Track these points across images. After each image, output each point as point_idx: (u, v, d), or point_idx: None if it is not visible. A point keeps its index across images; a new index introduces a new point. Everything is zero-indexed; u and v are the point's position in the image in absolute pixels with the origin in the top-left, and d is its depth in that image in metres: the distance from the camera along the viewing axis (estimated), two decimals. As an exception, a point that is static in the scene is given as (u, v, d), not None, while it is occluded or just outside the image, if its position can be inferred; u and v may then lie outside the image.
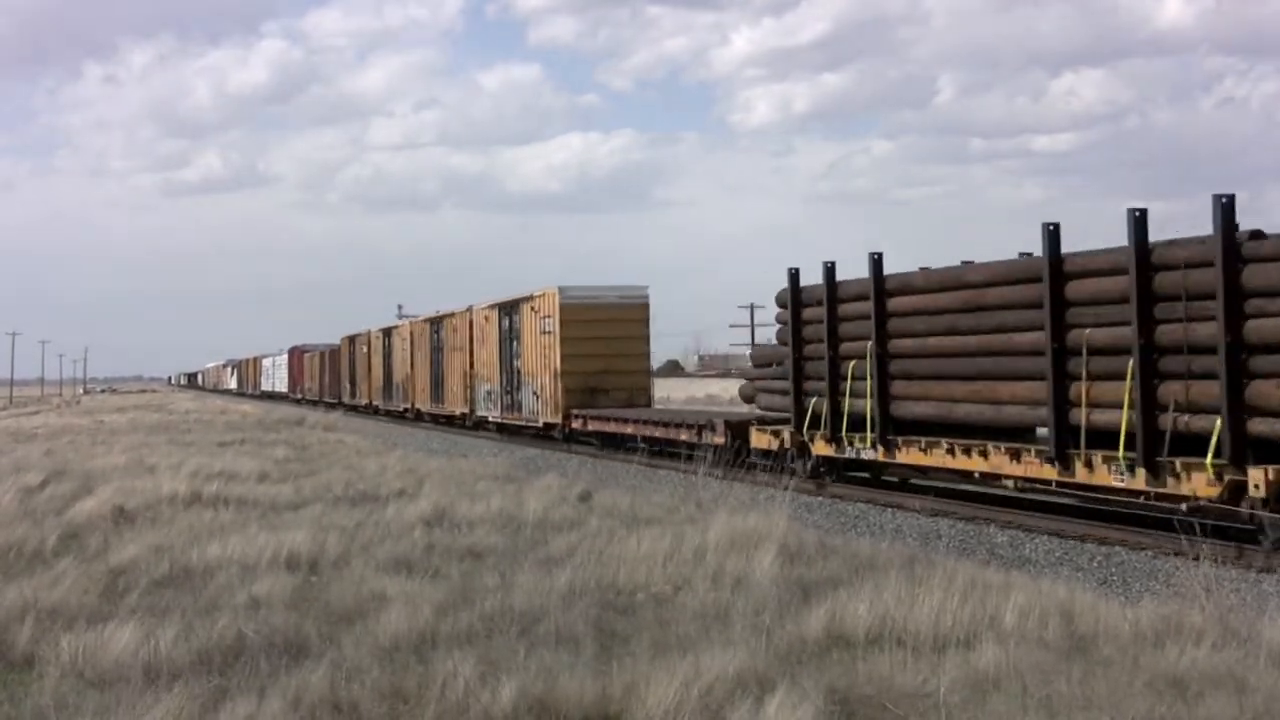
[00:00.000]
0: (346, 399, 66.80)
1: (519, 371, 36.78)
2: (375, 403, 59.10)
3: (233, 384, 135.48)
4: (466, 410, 43.64)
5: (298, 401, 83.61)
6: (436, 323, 47.61)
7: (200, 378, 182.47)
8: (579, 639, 7.80)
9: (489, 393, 40.22)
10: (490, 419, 40.46)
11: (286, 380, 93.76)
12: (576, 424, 32.28)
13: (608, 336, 33.22)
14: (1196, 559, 9.30)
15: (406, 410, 53.00)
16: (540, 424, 34.87)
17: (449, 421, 46.54)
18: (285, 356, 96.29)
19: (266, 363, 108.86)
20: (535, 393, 35.10)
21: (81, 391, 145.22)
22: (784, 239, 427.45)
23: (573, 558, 10.79)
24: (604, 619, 8.49)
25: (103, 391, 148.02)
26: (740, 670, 6.85)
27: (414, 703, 6.59)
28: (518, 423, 37.30)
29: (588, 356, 32.99)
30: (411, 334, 52.13)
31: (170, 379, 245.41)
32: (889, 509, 18.32)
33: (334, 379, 72.15)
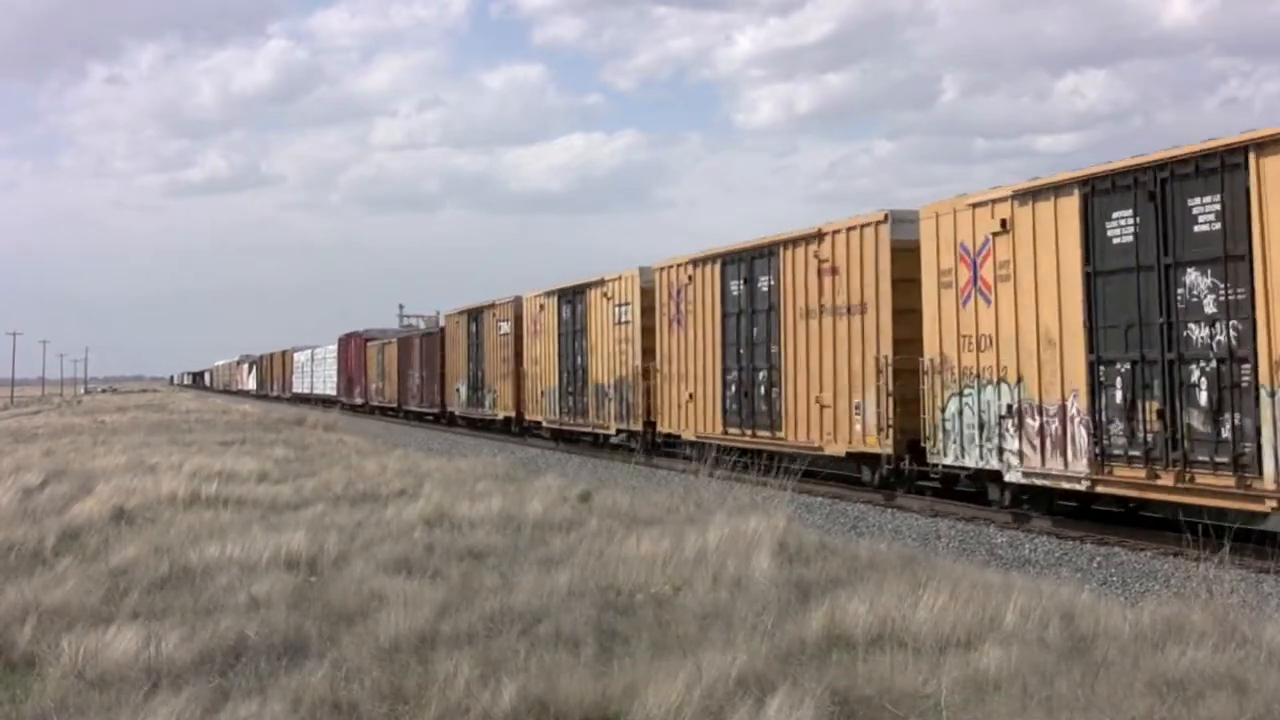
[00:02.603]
0: (465, 407, 43.46)
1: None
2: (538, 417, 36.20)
3: (250, 384, 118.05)
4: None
5: (357, 409, 64.28)
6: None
7: (208, 377, 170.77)
8: (579, 639, 7.80)
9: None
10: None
11: (336, 379, 72.43)
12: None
13: None
14: (1196, 560, 9.30)
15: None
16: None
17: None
18: (333, 348, 74.66)
19: (300, 358, 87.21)
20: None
21: (82, 391, 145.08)
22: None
23: (573, 558, 10.79)
24: (604, 619, 8.48)
25: (103, 391, 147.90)
26: (741, 671, 6.85)
27: (414, 703, 6.59)
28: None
29: None
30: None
31: (172, 378, 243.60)
32: (889, 509, 18.32)
33: (429, 377, 49.85)
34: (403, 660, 7.39)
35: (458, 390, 42.65)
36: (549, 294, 34.80)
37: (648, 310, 27.95)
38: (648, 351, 28.01)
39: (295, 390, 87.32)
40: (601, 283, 30.72)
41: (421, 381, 51.18)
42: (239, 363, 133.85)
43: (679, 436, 26.60)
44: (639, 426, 28.47)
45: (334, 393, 72.66)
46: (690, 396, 25.59)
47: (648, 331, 27.99)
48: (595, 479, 20.41)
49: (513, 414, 36.49)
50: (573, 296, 32.83)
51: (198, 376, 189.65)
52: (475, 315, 39.92)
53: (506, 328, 35.21)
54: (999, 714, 6.28)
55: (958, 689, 6.64)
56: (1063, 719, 6.20)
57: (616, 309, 29.94)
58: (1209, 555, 9.53)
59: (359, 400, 65.80)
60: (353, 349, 68.73)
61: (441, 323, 51.56)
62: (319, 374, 78.98)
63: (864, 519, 17.64)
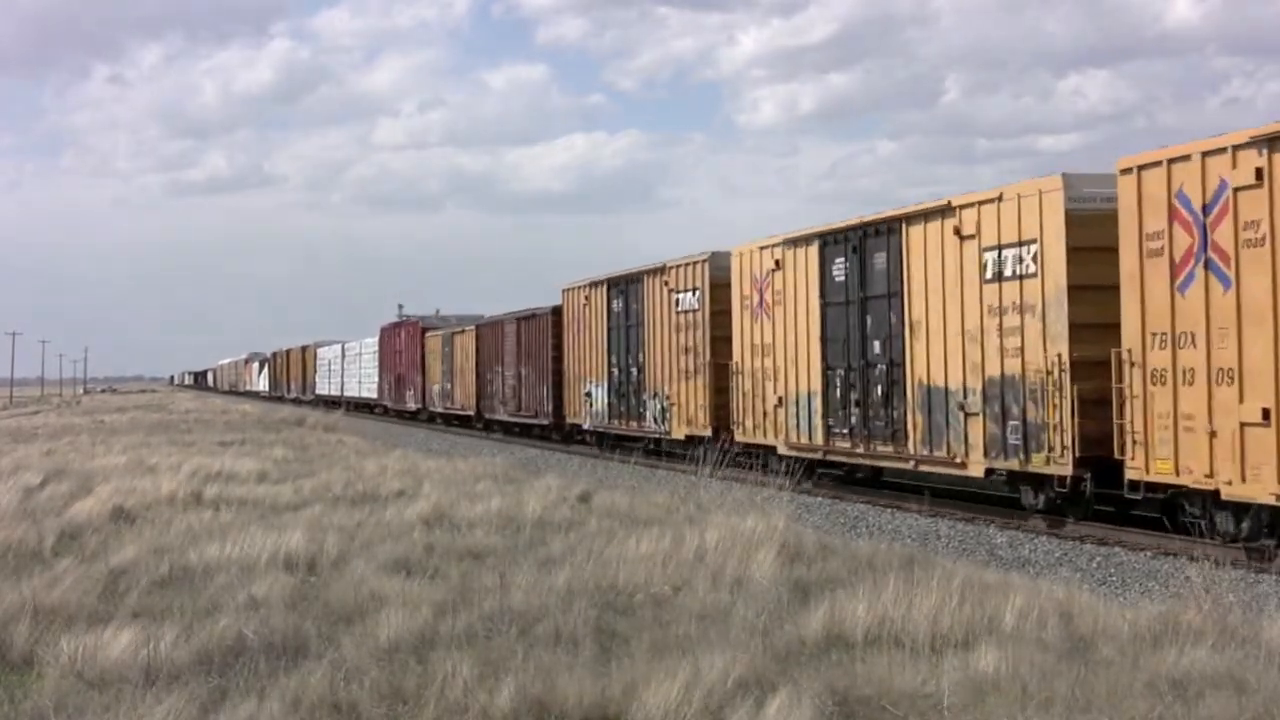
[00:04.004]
0: (604, 419, 30.89)
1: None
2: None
3: (260, 384, 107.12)
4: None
5: (409, 416, 53.87)
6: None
7: (211, 377, 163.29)
8: (578, 640, 7.80)
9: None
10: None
11: (378, 379, 60.09)
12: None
13: None
14: (1195, 559, 9.30)
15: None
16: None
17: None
18: (371, 341, 62.15)
19: (327, 354, 75.16)
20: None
21: (82, 391, 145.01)
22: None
23: (572, 558, 10.79)
24: (603, 620, 8.48)
25: (103, 391, 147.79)
26: (740, 671, 6.84)
27: (413, 703, 6.59)
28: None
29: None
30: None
31: (173, 379, 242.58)
32: (888, 509, 18.32)
33: (533, 376, 36.94)
34: (402, 660, 7.39)
35: (588, 395, 31.75)
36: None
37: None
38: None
39: (319, 392, 75.76)
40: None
41: (519, 382, 38.04)
42: (247, 361, 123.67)
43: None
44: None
45: (373, 395, 60.90)
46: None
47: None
48: (595, 479, 20.40)
49: (709, 431, 24.63)
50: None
51: (200, 376, 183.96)
52: (626, 285, 29.33)
53: (691, 301, 25.69)
54: (998, 714, 6.28)
55: (957, 689, 6.64)
56: (1062, 719, 6.20)
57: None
58: (1208, 556, 9.53)
59: (412, 405, 53.12)
60: (402, 341, 54.89)
61: (522, 307, 38.89)
62: (352, 373, 66.58)
63: (864, 519, 17.64)
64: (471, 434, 42.38)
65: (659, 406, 27.18)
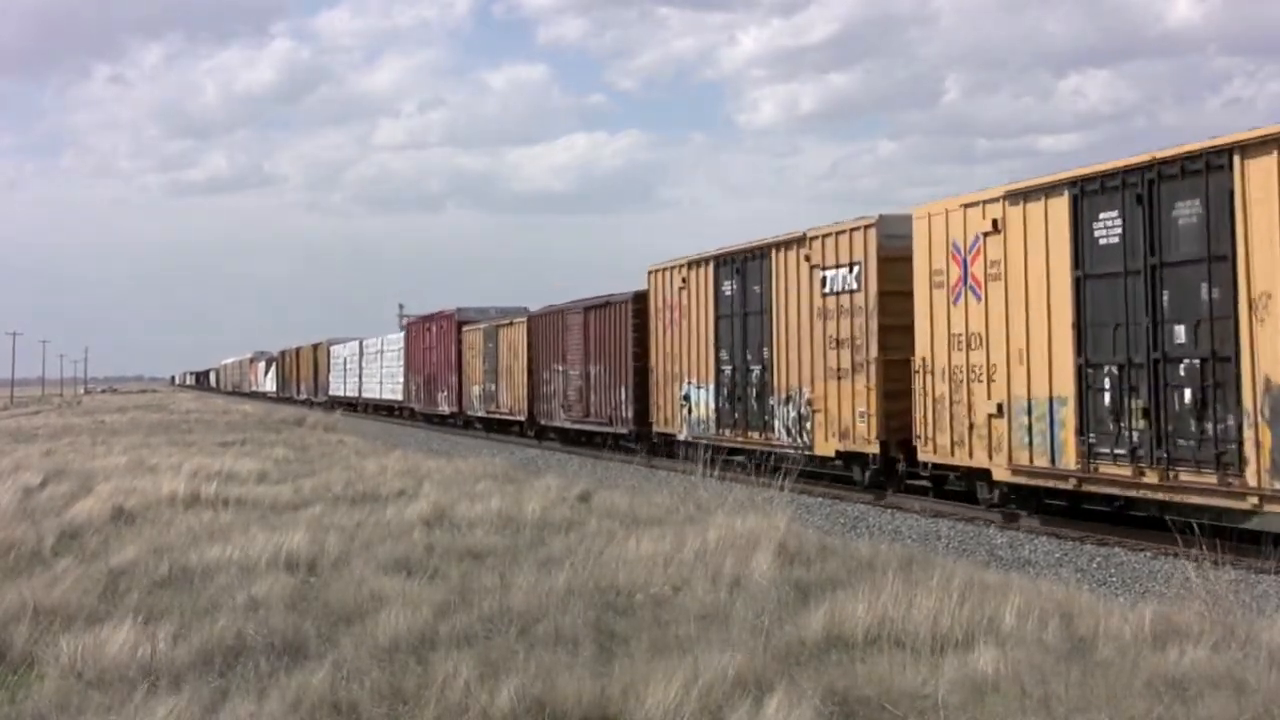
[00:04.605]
0: (709, 426, 25.09)
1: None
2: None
3: (267, 385, 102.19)
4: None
5: (439, 421, 48.35)
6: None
7: (214, 377, 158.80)
8: (578, 640, 7.81)
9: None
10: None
11: (404, 379, 54.32)
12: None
13: None
14: (1196, 560, 9.30)
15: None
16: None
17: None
18: (395, 338, 58.03)
19: (342, 352, 69.45)
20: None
21: (82, 391, 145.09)
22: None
23: (572, 558, 10.78)
24: (603, 620, 8.49)
25: (103, 391, 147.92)
26: (739, 671, 6.85)
27: (413, 703, 6.60)
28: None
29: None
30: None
31: (174, 379, 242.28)
32: (888, 510, 18.31)
33: (606, 376, 30.95)
34: (402, 660, 7.40)
35: (686, 399, 26.13)
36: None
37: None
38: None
39: (333, 393, 70.57)
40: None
41: (587, 383, 32.05)
42: (253, 360, 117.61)
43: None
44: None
45: (397, 397, 55.66)
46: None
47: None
48: (595, 479, 20.40)
49: (874, 446, 19.51)
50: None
51: (201, 376, 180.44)
52: (744, 262, 23.95)
53: (845, 279, 20.37)
54: (997, 714, 6.28)
55: (956, 689, 6.64)
56: (1061, 719, 6.20)
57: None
58: (1207, 556, 9.53)
59: (445, 409, 47.21)
60: (434, 336, 48.95)
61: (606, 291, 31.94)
62: (372, 372, 61.04)
63: (864, 519, 17.64)
64: (507, 440, 38.65)
65: (793, 414, 21.71)
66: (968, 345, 17.18)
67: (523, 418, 38.17)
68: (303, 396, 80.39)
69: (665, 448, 26.86)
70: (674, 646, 7.57)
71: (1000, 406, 16.46)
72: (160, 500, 15.89)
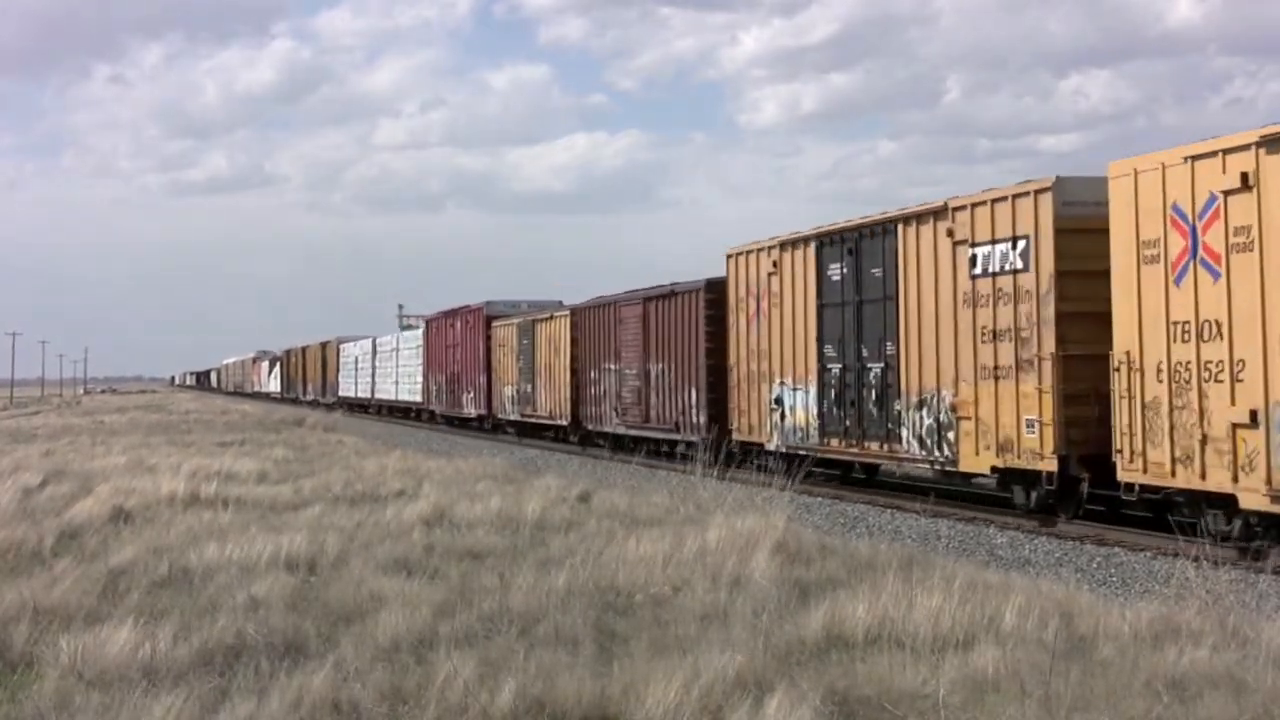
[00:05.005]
0: (814, 436, 21.11)
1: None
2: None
3: (271, 385, 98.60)
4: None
5: (463, 424, 44.55)
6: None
7: (215, 377, 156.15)
8: (578, 639, 7.81)
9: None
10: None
11: (424, 379, 50.11)
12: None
13: None
14: (1196, 560, 9.30)
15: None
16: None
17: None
18: (413, 335, 53.78)
19: (353, 351, 65.55)
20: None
21: (82, 392, 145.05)
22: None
23: (572, 558, 10.78)
24: (603, 620, 8.49)
25: (103, 392, 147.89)
26: (739, 671, 6.85)
27: (413, 703, 6.60)
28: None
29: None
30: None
31: (173, 379, 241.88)
32: (888, 510, 18.30)
33: (670, 377, 27.03)
34: (402, 660, 7.40)
35: (778, 402, 22.41)
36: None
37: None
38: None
39: (343, 394, 66.90)
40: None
41: (646, 383, 28.17)
42: (255, 360, 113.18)
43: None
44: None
45: (415, 398, 51.57)
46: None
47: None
48: (594, 480, 20.40)
49: (1049, 463, 15.79)
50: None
51: (202, 376, 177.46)
52: (858, 241, 20.17)
53: (1007, 257, 16.55)
54: (997, 714, 6.28)
55: (956, 689, 6.64)
56: (1061, 719, 6.20)
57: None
58: (1207, 556, 9.53)
59: (471, 411, 43.19)
60: (458, 332, 44.68)
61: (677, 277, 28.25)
62: (386, 372, 56.92)
63: (864, 519, 17.63)
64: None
65: (928, 421, 18.09)
66: (1198, 336, 13.42)
67: (565, 422, 34.20)
68: (309, 397, 76.86)
69: (746, 457, 20.81)
70: (674, 646, 7.57)
71: (1253, 414, 12.67)
72: (160, 500, 15.89)
